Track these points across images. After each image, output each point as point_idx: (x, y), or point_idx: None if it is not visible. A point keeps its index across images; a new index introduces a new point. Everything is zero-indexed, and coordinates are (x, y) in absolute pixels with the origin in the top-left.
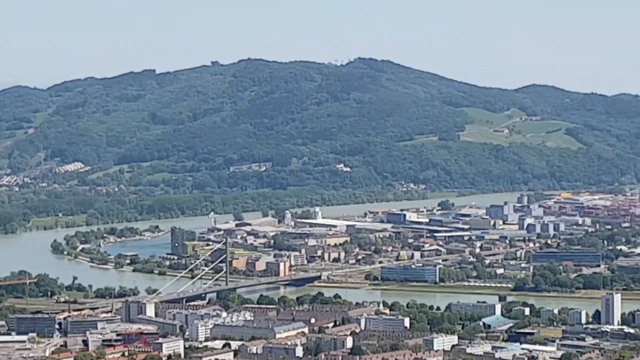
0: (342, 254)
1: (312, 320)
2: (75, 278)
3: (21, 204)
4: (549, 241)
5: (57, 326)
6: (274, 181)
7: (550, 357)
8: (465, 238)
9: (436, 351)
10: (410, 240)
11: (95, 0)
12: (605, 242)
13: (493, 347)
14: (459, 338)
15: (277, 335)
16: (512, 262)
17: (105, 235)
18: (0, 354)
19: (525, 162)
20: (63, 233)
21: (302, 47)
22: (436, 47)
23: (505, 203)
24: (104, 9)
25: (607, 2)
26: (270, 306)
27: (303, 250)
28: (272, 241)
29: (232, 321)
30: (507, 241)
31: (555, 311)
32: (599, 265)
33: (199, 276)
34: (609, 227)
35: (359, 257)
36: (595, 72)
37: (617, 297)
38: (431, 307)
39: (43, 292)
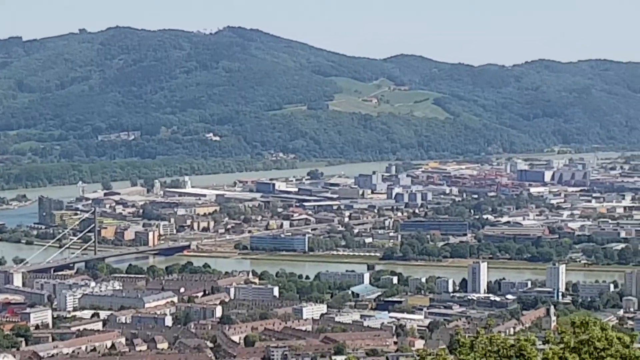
0: (212, 224)
1: (182, 290)
2: None
3: None
4: (416, 210)
5: None
6: (142, 150)
7: (418, 325)
8: (334, 207)
9: (305, 320)
10: (280, 210)
11: None
12: (472, 211)
13: (362, 316)
14: (327, 307)
15: (146, 305)
16: (381, 232)
17: None
18: None
19: (393, 132)
20: None
21: (171, 15)
22: (305, 16)
23: (374, 172)
24: None
25: None
26: (139, 276)
27: (172, 220)
28: (141, 210)
29: (100, 291)
30: (376, 210)
31: (423, 280)
32: (465, 234)
33: (67, 246)
34: (476, 196)
35: (229, 226)
36: (462, 42)
37: (483, 266)
38: (300, 276)
39: None
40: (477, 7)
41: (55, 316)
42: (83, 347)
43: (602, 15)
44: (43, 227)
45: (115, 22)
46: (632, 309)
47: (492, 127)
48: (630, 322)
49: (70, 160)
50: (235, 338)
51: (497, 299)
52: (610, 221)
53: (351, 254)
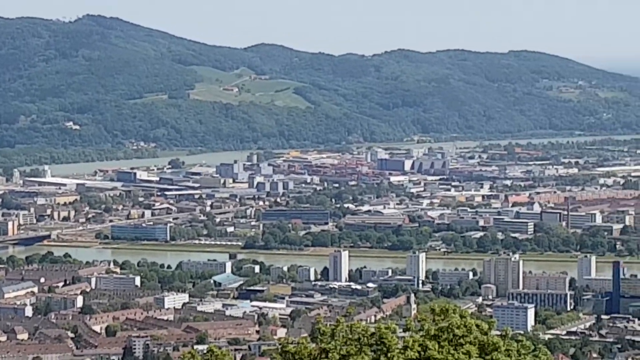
0: (72, 213)
1: (42, 280)
2: None
3: None
4: (278, 199)
5: None
6: (1, 139)
7: (280, 314)
8: (196, 196)
9: (167, 309)
10: (141, 199)
11: None
12: (333, 200)
13: (224, 305)
14: (189, 296)
15: (6, 295)
16: (242, 221)
17: None
18: None
19: (254, 121)
20: None
21: (29, 3)
22: (165, 4)
23: (235, 162)
24: None
25: None
26: None
27: (32, 209)
28: (0, 200)
29: None
30: (237, 199)
31: (285, 268)
32: (327, 223)
33: None
34: (337, 185)
35: (89, 215)
36: (322, 32)
37: (345, 254)
38: (162, 266)
39: None
40: None
41: None
42: None
43: (459, 6)
44: None
45: None
46: (490, 297)
47: (352, 116)
48: (488, 309)
49: None
50: (97, 328)
51: (358, 287)
52: (469, 210)
53: (213, 243)
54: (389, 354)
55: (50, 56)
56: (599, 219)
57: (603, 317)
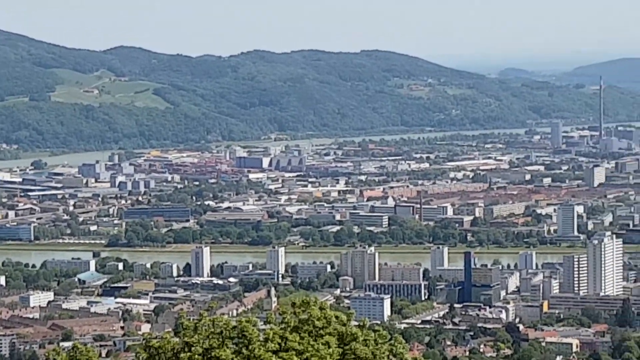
0: None
1: None
2: None
3: None
4: (140, 198)
5: None
6: None
7: (144, 310)
8: (59, 196)
9: (32, 308)
10: (4, 200)
11: None
12: (194, 197)
13: (88, 302)
14: (54, 294)
15: None
16: (105, 219)
17: None
18: None
19: (115, 122)
20: None
21: None
22: (24, 8)
23: (97, 162)
24: None
25: None
26: None
27: None
28: None
29: None
30: (100, 199)
31: (148, 265)
32: (188, 220)
33: None
34: (197, 183)
35: None
36: (179, 34)
37: (206, 250)
38: (27, 265)
39: None
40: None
41: None
42: None
43: (313, 7)
44: None
45: None
46: (348, 288)
47: (211, 116)
48: (346, 300)
49: None
50: None
51: (220, 282)
52: (325, 204)
53: (77, 242)
54: (250, 347)
55: None
56: (450, 212)
57: (456, 305)
